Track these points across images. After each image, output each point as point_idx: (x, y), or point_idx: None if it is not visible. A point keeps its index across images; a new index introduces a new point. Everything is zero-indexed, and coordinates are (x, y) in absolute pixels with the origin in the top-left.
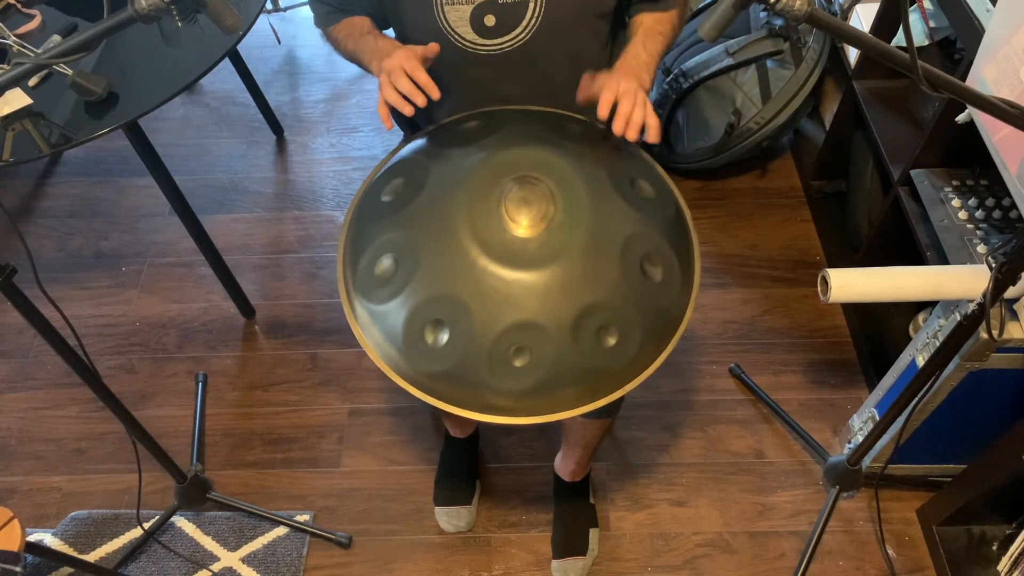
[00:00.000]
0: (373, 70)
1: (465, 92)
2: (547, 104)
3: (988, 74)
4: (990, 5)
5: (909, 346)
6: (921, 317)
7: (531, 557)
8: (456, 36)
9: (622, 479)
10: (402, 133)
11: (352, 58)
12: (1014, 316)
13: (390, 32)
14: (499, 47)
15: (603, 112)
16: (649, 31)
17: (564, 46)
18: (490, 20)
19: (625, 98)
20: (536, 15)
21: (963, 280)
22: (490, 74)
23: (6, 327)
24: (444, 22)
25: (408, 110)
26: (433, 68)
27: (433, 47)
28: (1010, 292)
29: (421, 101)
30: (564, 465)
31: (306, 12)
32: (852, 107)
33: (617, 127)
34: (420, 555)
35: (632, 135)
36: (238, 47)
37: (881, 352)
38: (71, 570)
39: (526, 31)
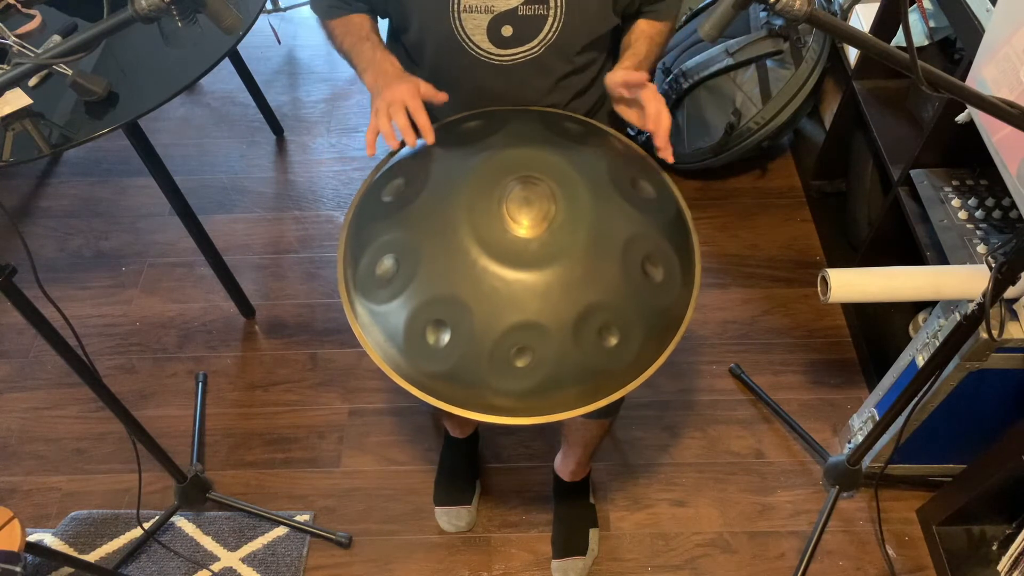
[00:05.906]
0: (366, 83)
1: (470, 97)
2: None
3: (988, 74)
4: (990, 5)
5: (909, 346)
6: (921, 317)
7: (531, 557)
8: (471, 44)
9: (622, 479)
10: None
11: (345, 57)
12: (1014, 316)
13: (384, 24)
14: (512, 58)
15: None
16: (650, 44)
17: (574, 58)
18: (507, 31)
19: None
20: (554, 29)
21: (963, 280)
22: (498, 82)
23: (6, 327)
24: (460, 29)
25: (394, 144)
26: (440, 71)
27: (442, 96)
28: (1010, 292)
29: (411, 142)
30: (564, 465)
31: (306, 12)
32: (852, 107)
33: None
34: (420, 555)
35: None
36: (238, 47)
37: (881, 352)
38: (71, 570)
39: (541, 44)
